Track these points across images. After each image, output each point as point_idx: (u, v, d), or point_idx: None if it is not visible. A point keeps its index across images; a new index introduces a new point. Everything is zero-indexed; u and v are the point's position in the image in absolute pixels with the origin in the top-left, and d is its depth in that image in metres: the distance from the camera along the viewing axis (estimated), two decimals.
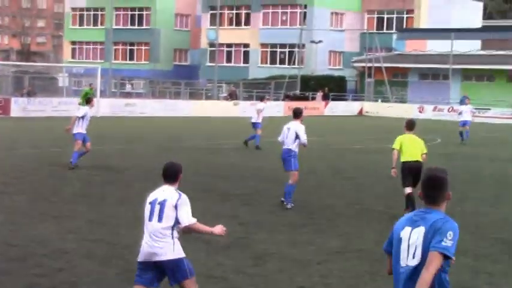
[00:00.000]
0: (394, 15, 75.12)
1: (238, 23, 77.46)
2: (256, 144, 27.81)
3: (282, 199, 15.80)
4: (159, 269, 7.74)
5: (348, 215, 15.17)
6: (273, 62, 74.75)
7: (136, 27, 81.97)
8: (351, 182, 19.96)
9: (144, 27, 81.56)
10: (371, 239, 12.72)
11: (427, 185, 5.76)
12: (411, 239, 5.59)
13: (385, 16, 75.56)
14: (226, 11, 76.28)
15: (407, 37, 72.36)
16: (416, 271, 5.51)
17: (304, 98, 61.56)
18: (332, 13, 74.20)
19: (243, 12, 77.09)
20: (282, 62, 73.49)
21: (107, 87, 59.51)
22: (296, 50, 67.78)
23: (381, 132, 38.60)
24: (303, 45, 68.04)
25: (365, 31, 72.00)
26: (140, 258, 7.80)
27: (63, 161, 20.87)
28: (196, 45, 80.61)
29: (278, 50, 74.66)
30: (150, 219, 7.76)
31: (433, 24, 73.37)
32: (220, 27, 67.47)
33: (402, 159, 15.38)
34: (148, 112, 48.09)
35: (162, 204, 7.72)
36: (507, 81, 62.63)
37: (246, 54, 76.59)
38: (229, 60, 76.93)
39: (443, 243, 5.48)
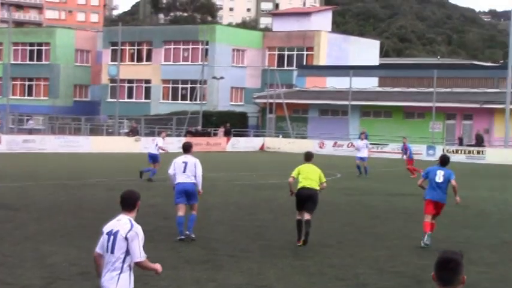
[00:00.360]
0: (295, 52, 76.33)
1: (139, 59, 77.22)
2: (149, 176, 29.18)
3: (182, 237, 15.72)
4: None
5: (250, 250, 15.17)
6: (174, 97, 74.70)
7: (35, 62, 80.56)
8: (253, 217, 20.00)
9: (43, 62, 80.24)
10: (273, 274, 12.75)
11: (442, 267, 5.45)
12: None
13: (286, 53, 76.70)
14: (127, 47, 75.96)
15: (307, 74, 73.61)
16: None
17: (206, 134, 61.65)
18: (234, 49, 74.84)
19: (145, 48, 76.93)
20: (184, 97, 73.51)
21: (5, 123, 58.18)
22: (198, 86, 67.93)
23: (281, 167, 38.89)
24: (205, 81, 68.29)
25: (266, 67, 72.85)
26: None
27: None
28: (97, 81, 79.82)
29: (180, 85, 74.71)
30: (106, 251, 7.65)
31: (332, 61, 74.97)
32: (122, 63, 67.03)
33: (298, 186, 16.30)
34: (48, 148, 47.21)
35: (115, 235, 7.63)
36: (403, 117, 64.33)
37: (148, 90, 76.31)
38: (130, 96, 76.47)
39: None
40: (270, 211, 21.20)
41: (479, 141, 55.29)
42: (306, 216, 15.83)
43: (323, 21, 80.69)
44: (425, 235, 16.34)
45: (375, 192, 27.68)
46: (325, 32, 77.70)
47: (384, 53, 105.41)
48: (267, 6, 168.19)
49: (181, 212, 15.73)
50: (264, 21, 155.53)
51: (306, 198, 16.00)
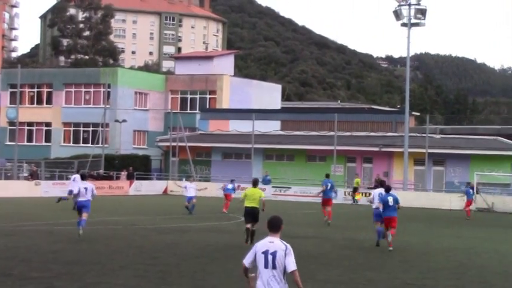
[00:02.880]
0: (198, 96, 76.58)
1: (39, 102, 75.99)
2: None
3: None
4: None
5: None
6: (76, 141, 73.68)
7: None
8: (156, 261, 19.75)
9: None
10: None
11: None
12: None
13: (189, 96, 76.87)
14: (27, 89, 74.76)
15: (210, 117, 73.92)
16: None
17: (109, 178, 60.86)
18: (136, 92, 74.53)
19: (45, 90, 75.83)
20: (85, 141, 72.59)
21: None
22: (100, 129, 67.20)
23: (185, 211, 38.72)
24: (107, 124, 67.64)
25: (169, 111, 72.73)
26: None
27: None
28: None
29: (81, 129, 73.78)
30: (265, 266, 9.38)
31: (234, 104, 75.55)
32: (21, 106, 65.75)
33: (245, 205, 24.04)
34: None
35: (274, 254, 9.40)
36: (306, 160, 65.13)
37: (48, 133, 75.06)
38: (30, 139, 75.03)
39: None
40: (173, 255, 20.99)
41: (379, 184, 56.32)
42: (252, 226, 23.80)
43: (225, 65, 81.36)
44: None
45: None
46: (228, 75, 78.35)
47: (285, 97, 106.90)
48: (170, 49, 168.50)
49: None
50: (167, 64, 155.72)
51: (250, 214, 23.82)
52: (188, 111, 75.57)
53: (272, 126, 69.81)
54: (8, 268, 17.65)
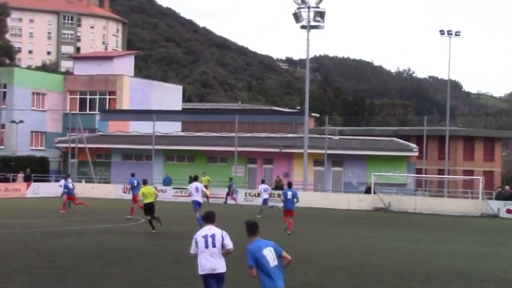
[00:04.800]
0: (97, 97, 75.62)
1: None
2: None
3: None
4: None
5: None
6: None
7: None
8: (53, 265, 19.41)
9: None
10: None
11: (249, 226, 11.32)
12: None
13: (88, 97, 75.82)
14: None
15: (110, 118, 73.08)
16: None
17: (5, 180, 59.35)
18: (33, 93, 73.02)
19: None
20: None
21: None
22: None
23: (83, 213, 38.19)
24: (3, 125, 65.99)
25: (68, 111, 71.51)
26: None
27: None
28: None
29: None
30: (206, 246, 11.90)
31: (135, 105, 74.94)
32: None
33: (145, 201, 29.41)
34: None
35: (212, 236, 11.95)
36: (207, 161, 65.12)
37: None
38: None
39: None
40: (70, 258, 20.67)
41: (279, 185, 56.78)
42: (151, 217, 29.32)
43: (125, 65, 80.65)
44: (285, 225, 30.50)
45: (178, 237, 27.73)
46: (128, 76, 77.66)
47: (186, 98, 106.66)
48: (68, 49, 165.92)
49: None
50: (65, 64, 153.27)
51: (149, 208, 29.33)
52: (87, 112, 74.53)
53: (173, 128, 69.55)
54: None
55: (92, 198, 54.21)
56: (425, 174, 64.04)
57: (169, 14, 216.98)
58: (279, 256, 10.81)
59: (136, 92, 76.64)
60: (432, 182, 66.46)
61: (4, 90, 69.57)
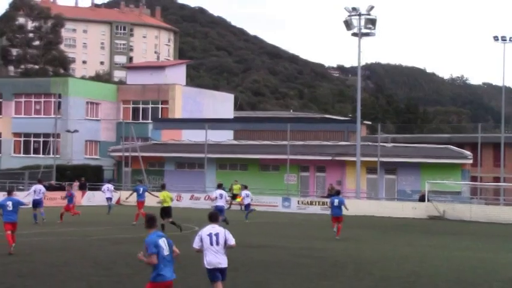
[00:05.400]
0: (150, 106, 76.28)
1: None
2: None
3: None
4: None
5: None
6: (27, 151, 72.78)
7: None
8: (109, 272, 19.60)
9: None
10: None
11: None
12: None
13: (141, 106, 76.51)
14: None
15: (162, 127, 73.63)
16: None
17: (61, 188, 60.12)
18: (88, 102, 73.96)
19: None
20: (36, 151, 71.76)
21: None
22: (51, 139, 66.49)
23: (138, 221, 38.43)
24: (58, 135, 66.95)
25: (121, 121, 72.27)
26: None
27: None
28: None
29: (32, 139, 72.92)
30: (211, 244, 13.33)
31: (187, 114, 75.39)
32: None
33: (164, 205, 32.14)
34: None
35: (217, 235, 13.38)
36: (259, 170, 65.17)
37: None
38: None
39: None
40: (127, 265, 20.84)
41: (332, 193, 56.54)
42: (166, 221, 31.39)
43: (177, 74, 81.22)
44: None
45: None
46: (180, 85, 78.18)
47: (238, 107, 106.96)
48: (121, 59, 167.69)
49: None
50: (118, 74, 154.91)
51: (167, 212, 31.87)
52: (140, 121, 75.20)
53: (225, 136, 69.78)
54: None
55: (145, 207, 54.57)
56: (480, 181, 63.18)
57: (221, 23, 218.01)
58: (170, 247, 12.19)
59: (188, 100, 77.12)
60: (488, 189, 65.52)
61: (59, 100, 70.60)
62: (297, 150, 61.66)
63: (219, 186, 36.12)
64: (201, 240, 13.41)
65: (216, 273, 13.39)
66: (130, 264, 21.06)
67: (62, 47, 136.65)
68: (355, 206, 53.42)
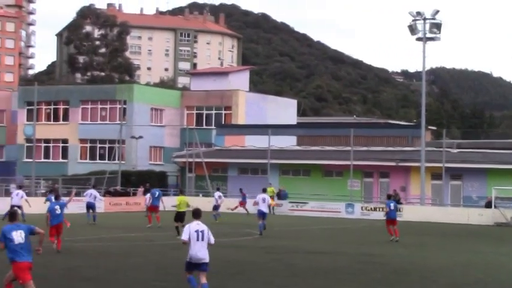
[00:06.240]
0: (213, 112, 76.67)
1: (56, 119, 76.28)
2: None
3: None
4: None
5: None
6: (93, 157, 73.89)
7: None
8: (172, 277, 19.74)
9: None
10: None
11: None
12: None
13: (204, 112, 76.97)
14: (43, 106, 75.01)
15: (226, 133, 73.92)
16: None
17: (126, 194, 60.91)
18: (152, 109, 74.73)
19: (61, 107, 76.11)
20: (102, 157, 72.78)
21: None
22: (116, 145, 67.35)
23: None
24: (123, 141, 67.77)
25: (185, 127, 72.83)
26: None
27: None
28: (13, 141, 78.41)
29: (98, 145, 74.00)
30: (197, 239, 14.83)
31: (250, 120, 75.51)
32: (38, 123, 66.08)
33: (179, 210, 32.97)
34: None
35: (202, 232, 14.93)
36: (322, 175, 64.93)
37: (65, 150, 75.29)
38: (47, 155, 75.28)
39: None
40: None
41: (396, 199, 56.05)
42: (181, 225, 30.33)
43: (241, 80, 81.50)
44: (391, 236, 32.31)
45: (295, 251, 27.72)
46: (243, 91, 78.42)
47: (301, 112, 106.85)
48: (185, 66, 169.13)
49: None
50: (182, 80, 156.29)
51: (181, 216, 32.60)
52: (204, 127, 75.65)
53: (288, 142, 69.70)
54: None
55: (210, 212, 54.92)
56: None
57: (284, 29, 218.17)
58: (31, 234, 13.41)
59: (251, 106, 77.28)
60: None
61: (124, 106, 71.48)
62: (360, 156, 61.21)
63: (264, 191, 36.61)
64: (189, 234, 14.85)
65: (192, 267, 15.05)
66: None
67: (128, 54, 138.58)
68: (419, 213, 52.92)
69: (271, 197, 51.82)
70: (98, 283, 18.26)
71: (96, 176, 64.57)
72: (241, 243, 30.88)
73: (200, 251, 14.86)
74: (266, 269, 21.75)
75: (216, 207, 45.81)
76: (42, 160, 72.53)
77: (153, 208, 39.86)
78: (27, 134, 70.56)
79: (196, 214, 15.19)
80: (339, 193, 59.62)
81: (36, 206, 50.15)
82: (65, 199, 29.32)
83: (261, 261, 23.78)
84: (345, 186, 61.16)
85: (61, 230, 25.38)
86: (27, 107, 74.08)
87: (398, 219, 33.84)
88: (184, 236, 14.96)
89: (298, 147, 69.47)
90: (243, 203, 54.37)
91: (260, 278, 19.89)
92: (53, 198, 36.57)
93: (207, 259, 14.97)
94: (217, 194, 47.56)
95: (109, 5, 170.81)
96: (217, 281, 18.97)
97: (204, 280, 14.95)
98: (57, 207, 25.36)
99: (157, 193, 40.34)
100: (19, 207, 39.38)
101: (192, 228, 14.86)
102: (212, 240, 15.08)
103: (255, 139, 69.07)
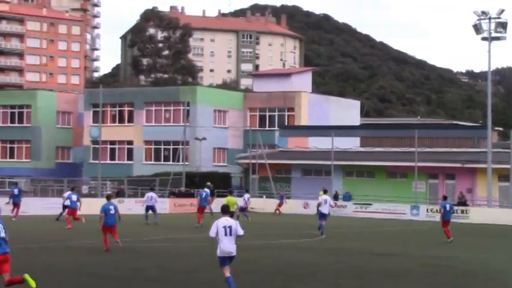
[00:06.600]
0: (276, 113, 76.70)
1: (121, 120, 77.26)
2: None
3: None
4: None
5: None
6: (157, 159, 74.63)
7: (16, 124, 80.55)
8: (235, 278, 19.77)
9: (24, 125, 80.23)
10: None
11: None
12: None
13: (267, 114, 77.05)
14: (109, 108, 76.05)
15: (289, 134, 73.87)
16: None
17: (190, 195, 61.34)
18: (215, 110, 75.12)
19: (126, 109, 77.03)
20: (166, 159, 73.46)
21: None
22: (180, 147, 67.91)
23: (265, 228, 38.75)
24: (187, 142, 68.26)
25: (248, 128, 73.06)
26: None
27: None
28: (79, 142, 79.74)
29: (162, 147, 74.69)
30: (225, 235, 15.79)
31: (313, 121, 75.30)
32: (103, 125, 67.10)
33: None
34: (31, 211, 46.75)
35: (230, 227, 15.85)
36: (386, 177, 64.41)
37: (130, 151, 76.19)
38: (113, 157, 76.30)
39: None
40: (252, 273, 20.99)
41: (462, 201, 55.37)
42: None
43: (303, 82, 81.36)
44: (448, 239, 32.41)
45: (359, 253, 27.58)
46: (306, 92, 78.28)
47: (364, 113, 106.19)
48: (247, 67, 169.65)
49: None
50: (245, 82, 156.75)
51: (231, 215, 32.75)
52: (267, 128, 75.74)
53: (351, 143, 69.35)
54: (89, 285, 17.98)
55: (270, 213, 55.14)
56: None
57: (346, 30, 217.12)
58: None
59: (314, 107, 77.10)
60: None
61: (188, 108, 72.07)
62: (425, 157, 60.54)
63: (325, 192, 36.84)
64: (217, 230, 15.71)
65: (225, 260, 15.99)
66: (256, 272, 21.20)
67: (190, 56, 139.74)
68: (486, 215, 52.09)
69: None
70: (160, 283, 18.43)
71: (161, 177, 65.22)
72: (303, 244, 30.84)
73: (228, 245, 15.82)
74: (330, 271, 21.69)
75: (243, 209, 45.74)
76: (108, 161, 73.53)
77: (201, 209, 41.04)
78: (93, 135, 71.67)
79: (225, 210, 16.21)
80: (404, 195, 59.10)
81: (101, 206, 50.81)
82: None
83: (325, 263, 23.71)
84: (409, 188, 60.58)
85: (115, 230, 26.26)
86: (93, 109, 75.17)
87: (465, 221, 33.62)
88: (211, 232, 15.85)
89: (361, 149, 69.08)
90: (280, 204, 56.28)
91: (325, 280, 19.84)
92: (73, 196, 38.59)
93: (234, 252, 15.99)
94: (246, 195, 48.39)
95: (172, 7, 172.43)
96: (281, 283, 19.01)
97: (227, 274, 15.95)
98: (111, 207, 26.12)
99: (204, 193, 42.04)
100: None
101: (220, 224, 15.75)
102: (241, 232, 15.96)
103: (318, 140, 68.92)
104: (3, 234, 14.59)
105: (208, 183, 54.43)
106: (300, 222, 45.36)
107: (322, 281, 19.58)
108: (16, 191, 43.62)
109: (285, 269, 21.89)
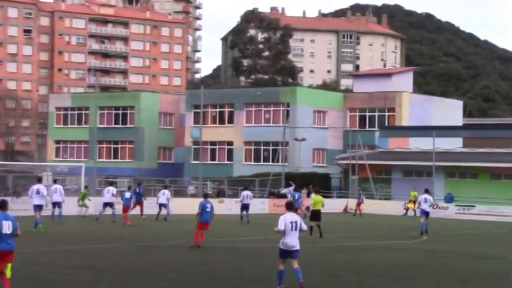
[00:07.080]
0: (376, 114, 75.97)
1: (221, 121, 77.99)
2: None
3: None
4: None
5: None
6: (257, 159, 75.00)
7: (120, 126, 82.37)
8: (337, 280, 19.67)
9: (128, 125, 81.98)
10: None
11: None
12: None
13: (367, 114, 76.41)
14: (209, 110, 76.93)
15: (389, 135, 72.99)
16: None
17: (284, 196, 61.27)
18: (315, 111, 74.96)
19: (226, 110, 77.72)
20: (266, 159, 73.76)
21: (92, 185, 59.09)
22: (280, 147, 68.06)
23: (365, 229, 38.39)
24: (287, 143, 68.36)
25: (348, 129, 72.61)
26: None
27: (45, 262, 20.49)
28: (181, 143, 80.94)
29: (262, 147, 75.02)
30: (291, 229, 16.42)
31: (414, 122, 74.24)
32: (204, 126, 67.90)
33: (313, 208, 33.04)
34: (133, 210, 47.57)
35: (295, 222, 16.50)
36: (490, 178, 62.86)
37: (230, 152, 76.84)
38: (213, 158, 77.12)
39: None
40: (354, 273, 20.81)
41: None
42: (316, 223, 32.74)
43: (404, 82, 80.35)
44: None
45: (463, 255, 26.99)
46: (407, 92, 77.24)
47: (467, 114, 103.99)
48: (347, 67, 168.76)
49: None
50: (345, 82, 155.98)
51: (316, 215, 32.90)
52: (367, 129, 75.11)
53: (454, 144, 67.97)
54: (194, 284, 18.16)
55: (374, 215, 54.69)
56: None
57: (449, 29, 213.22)
58: (14, 229, 14.39)
59: (415, 108, 76.00)
60: None
61: (287, 109, 72.17)
62: None
63: (426, 191, 37.43)
64: (285, 224, 16.39)
65: (285, 253, 16.62)
66: (360, 272, 20.99)
67: (290, 56, 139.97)
68: None
69: (413, 202, 52.50)
70: (262, 283, 18.43)
71: (261, 177, 65.52)
72: (405, 246, 30.40)
73: (292, 239, 16.50)
74: (433, 274, 21.27)
75: (244, 206, 43.82)
76: (209, 162, 74.37)
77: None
78: (194, 136, 72.63)
79: (289, 207, 16.91)
80: (509, 196, 57.55)
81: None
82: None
83: (427, 265, 23.29)
84: None
85: (207, 227, 26.85)
86: (194, 110, 76.13)
87: None
88: (280, 226, 16.46)
89: (464, 149, 67.63)
90: (359, 204, 56.38)
91: (427, 282, 19.48)
92: (126, 194, 39.92)
93: (297, 246, 16.64)
94: (246, 192, 45.54)
95: (272, 8, 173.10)
96: (382, 284, 18.77)
97: (296, 265, 16.62)
98: (208, 205, 26.89)
99: (296, 195, 44.76)
100: (110, 204, 40.25)
101: (287, 219, 16.49)
102: (304, 227, 16.94)
103: (419, 141, 67.80)
104: (8, 232, 14.37)
105: (290, 182, 55.21)
106: (401, 223, 44.75)
107: (423, 284, 19.23)
108: (138, 190, 45.41)
109: (385, 270, 21.61)
